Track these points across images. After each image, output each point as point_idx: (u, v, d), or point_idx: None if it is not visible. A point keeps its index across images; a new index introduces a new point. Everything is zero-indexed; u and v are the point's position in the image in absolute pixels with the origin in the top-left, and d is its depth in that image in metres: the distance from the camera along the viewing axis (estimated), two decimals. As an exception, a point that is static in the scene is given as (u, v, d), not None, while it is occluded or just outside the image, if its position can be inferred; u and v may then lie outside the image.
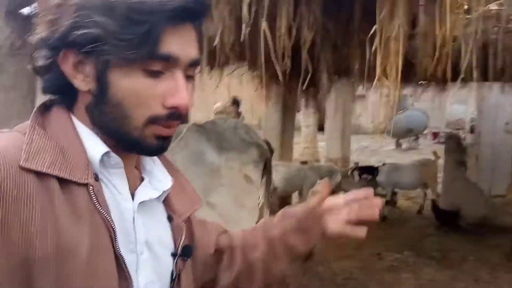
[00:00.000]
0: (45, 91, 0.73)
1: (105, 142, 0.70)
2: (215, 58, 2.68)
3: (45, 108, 0.72)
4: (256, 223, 2.75)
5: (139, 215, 0.72)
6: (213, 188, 2.87)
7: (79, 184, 0.65)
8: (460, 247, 5.06)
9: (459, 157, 5.72)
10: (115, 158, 0.71)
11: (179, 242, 0.78)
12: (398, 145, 15.79)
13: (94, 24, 0.63)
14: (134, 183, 0.75)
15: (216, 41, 2.31)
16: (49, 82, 0.72)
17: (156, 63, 0.66)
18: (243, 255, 0.93)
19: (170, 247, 0.78)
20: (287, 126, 6.59)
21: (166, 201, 0.79)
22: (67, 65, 0.68)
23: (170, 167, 0.83)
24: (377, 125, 20.78)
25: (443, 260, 4.69)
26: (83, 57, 0.66)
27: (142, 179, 0.77)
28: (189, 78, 0.71)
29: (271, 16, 2.26)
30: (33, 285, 0.59)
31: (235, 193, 2.89)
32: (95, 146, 0.69)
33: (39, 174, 0.62)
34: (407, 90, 7.09)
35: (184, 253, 0.78)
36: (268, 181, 3.10)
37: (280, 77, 2.62)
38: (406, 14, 1.48)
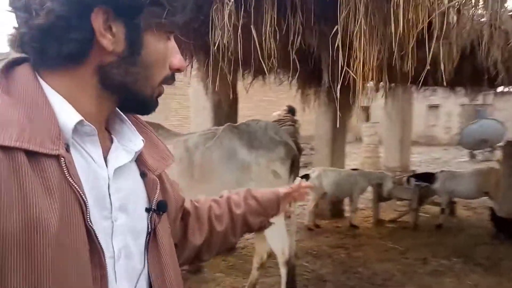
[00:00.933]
0: (52, 54, 0.68)
1: (81, 108, 0.70)
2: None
3: (8, 69, 0.69)
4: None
5: (113, 180, 0.72)
6: (244, 182, 3.18)
7: (49, 156, 0.63)
8: (512, 256, 4.86)
9: (517, 164, 5.49)
10: (88, 126, 0.70)
11: (154, 197, 0.79)
12: (472, 156, 14.99)
13: None
14: (105, 146, 0.75)
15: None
16: (60, 42, 0.67)
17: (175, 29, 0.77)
18: (210, 225, 1.05)
19: (145, 203, 0.79)
20: (338, 133, 6.73)
21: (139, 158, 0.80)
22: (99, 24, 0.67)
23: (140, 125, 0.85)
24: (452, 136, 19.86)
25: (491, 268, 4.55)
26: (115, 18, 0.68)
27: (112, 140, 0.78)
28: None
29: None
30: (4, 262, 0.58)
31: (263, 187, 3.16)
32: (68, 115, 0.68)
33: (4, 148, 0.59)
34: (484, 100, 6.90)
35: (159, 207, 0.79)
36: (295, 178, 3.34)
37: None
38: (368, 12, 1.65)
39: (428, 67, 1.61)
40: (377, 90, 7.11)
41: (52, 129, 0.65)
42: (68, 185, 0.64)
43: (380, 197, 6.33)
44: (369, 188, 6.43)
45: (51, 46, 0.67)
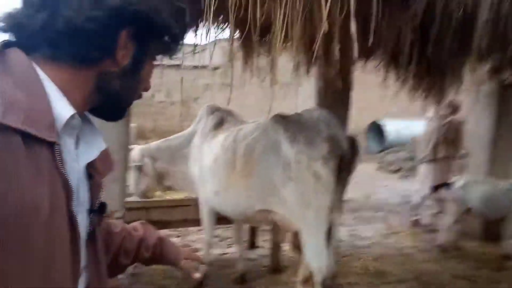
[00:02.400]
0: (83, 53, 0.75)
1: (71, 102, 0.73)
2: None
3: (2, 52, 0.71)
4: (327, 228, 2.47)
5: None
6: (285, 182, 2.73)
7: (43, 142, 0.65)
8: None
9: None
10: (78, 120, 0.75)
11: (97, 199, 0.83)
12: None
13: (160, 19, 0.79)
14: None
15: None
16: (89, 46, 0.74)
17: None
18: (115, 255, 1.07)
19: (87, 203, 0.81)
20: (505, 132, 5.26)
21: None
22: (123, 39, 0.76)
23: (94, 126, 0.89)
24: None
25: None
26: (133, 38, 0.78)
27: (76, 137, 0.80)
28: None
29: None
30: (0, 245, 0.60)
31: (302, 190, 2.66)
32: (63, 106, 0.71)
33: (5, 129, 0.61)
34: None
35: (101, 209, 0.84)
36: (343, 183, 2.68)
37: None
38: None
39: None
40: None
41: (48, 117, 0.67)
42: (57, 172, 0.67)
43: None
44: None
45: (78, 46, 0.72)
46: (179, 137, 4.01)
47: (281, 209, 2.81)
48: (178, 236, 4.80)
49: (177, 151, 3.90)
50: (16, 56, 0.70)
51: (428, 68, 3.63)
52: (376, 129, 12.48)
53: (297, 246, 4.35)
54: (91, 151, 0.80)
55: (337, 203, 2.68)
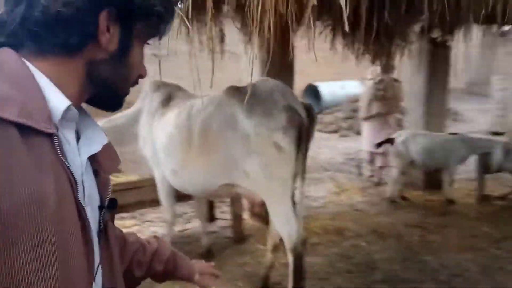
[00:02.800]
0: (60, 42, 0.72)
1: (68, 94, 0.73)
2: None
3: None
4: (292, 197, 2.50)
5: (84, 169, 0.76)
6: (246, 155, 2.71)
7: (42, 134, 0.65)
8: None
9: None
10: (74, 111, 0.74)
11: (107, 196, 0.82)
12: None
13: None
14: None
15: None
16: (69, 32, 0.72)
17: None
18: (128, 268, 1.06)
19: (97, 200, 0.81)
20: (437, 88, 5.57)
21: (92, 155, 0.81)
22: (103, 22, 0.73)
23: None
24: None
25: None
26: (115, 20, 0.75)
27: (76, 131, 0.79)
28: None
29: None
30: (7, 235, 0.59)
31: (264, 162, 2.66)
32: (57, 98, 0.71)
33: (1, 122, 0.61)
34: None
35: (110, 205, 0.82)
36: (304, 152, 2.72)
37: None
38: None
39: None
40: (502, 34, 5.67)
41: (44, 109, 0.67)
42: (59, 163, 0.66)
43: (486, 169, 5.10)
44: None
45: (58, 35, 0.71)
46: (124, 116, 3.81)
47: (244, 182, 2.81)
48: (134, 218, 4.70)
49: (125, 131, 3.72)
50: (6, 54, 0.69)
51: (377, 33, 3.71)
52: (312, 92, 12.72)
53: (255, 214, 4.44)
54: (92, 145, 0.79)
55: (301, 171, 2.72)
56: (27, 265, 0.60)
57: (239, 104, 2.73)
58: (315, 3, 2.10)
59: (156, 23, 0.81)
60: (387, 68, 5.54)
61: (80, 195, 0.71)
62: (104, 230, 0.81)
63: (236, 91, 2.84)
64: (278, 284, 3.26)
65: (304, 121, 2.66)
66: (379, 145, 5.35)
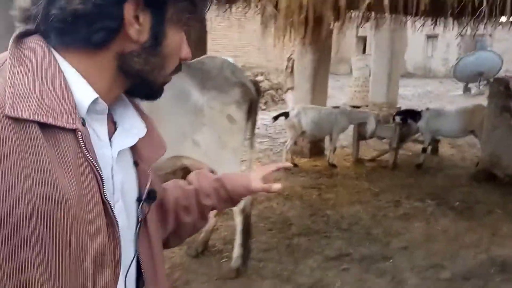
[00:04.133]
0: (86, 38, 0.68)
1: (95, 87, 0.69)
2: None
3: (20, 40, 0.67)
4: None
5: (116, 162, 0.73)
6: (197, 127, 2.92)
7: (65, 130, 0.63)
8: (489, 199, 4.75)
9: (504, 103, 5.20)
10: (102, 104, 0.70)
11: (145, 187, 0.79)
12: (467, 90, 14.66)
13: None
14: (110, 128, 0.75)
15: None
16: (91, 29, 0.68)
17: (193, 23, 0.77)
18: (175, 217, 1.01)
19: (135, 191, 0.79)
20: (321, 68, 6.36)
21: (133, 146, 0.79)
22: (129, 13, 0.68)
23: (140, 111, 0.83)
24: (449, 68, 19.32)
25: (465, 211, 4.45)
26: (144, 8, 0.69)
27: (114, 123, 0.77)
28: None
29: None
30: (21, 238, 0.57)
31: (218, 133, 2.92)
32: (84, 91, 0.68)
33: (21, 121, 0.59)
34: (485, 30, 6.44)
35: (149, 196, 0.80)
36: (253, 123, 3.08)
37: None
38: None
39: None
40: (367, 19, 6.66)
41: (68, 103, 0.64)
42: (84, 159, 0.64)
43: (361, 136, 6.12)
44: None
45: (80, 31, 0.67)
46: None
47: (193, 153, 3.02)
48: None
49: None
50: (34, 44, 0.67)
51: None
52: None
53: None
54: (127, 138, 0.77)
55: (251, 141, 3.06)
56: (42, 262, 0.59)
57: (190, 79, 2.91)
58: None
59: (191, 3, 0.74)
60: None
61: (108, 190, 0.69)
62: (144, 222, 0.79)
63: (187, 67, 3.00)
64: (213, 247, 3.59)
65: (254, 96, 2.99)
66: (275, 118, 5.93)
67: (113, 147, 0.73)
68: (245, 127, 2.98)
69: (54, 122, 0.61)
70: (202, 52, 4.66)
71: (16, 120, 0.58)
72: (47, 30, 0.68)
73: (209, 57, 3.12)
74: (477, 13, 3.83)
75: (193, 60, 3.12)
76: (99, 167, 0.66)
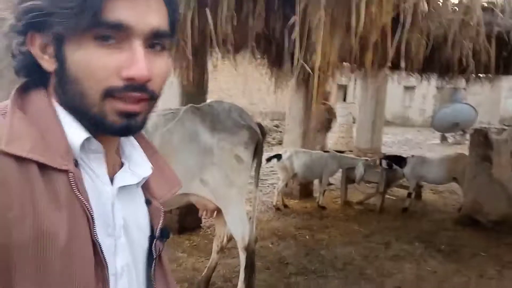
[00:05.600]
0: (18, 74, 0.73)
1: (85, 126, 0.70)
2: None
3: (24, 90, 0.71)
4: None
5: (118, 199, 0.73)
6: (206, 166, 3.08)
7: (59, 170, 0.65)
8: (473, 243, 4.96)
9: (484, 152, 5.54)
10: (95, 143, 0.71)
11: (158, 225, 0.79)
12: (444, 139, 15.28)
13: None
14: (113, 168, 0.76)
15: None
16: (21, 65, 0.71)
17: (104, 31, 0.64)
18: None
19: (146, 229, 0.79)
20: (311, 115, 6.66)
21: (145, 184, 0.80)
22: (34, 47, 0.68)
23: (149, 149, 0.84)
24: (426, 118, 20.13)
25: (452, 254, 4.64)
26: (46, 37, 0.66)
27: (122, 164, 0.78)
28: (158, 49, 0.70)
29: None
30: (12, 272, 0.59)
31: (225, 172, 3.09)
32: (75, 131, 0.69)
33: (19, 159, 0.61)
34: (459, 84, 6.89)
35: (162, 235, 0.80)
36: (259, 163, 3.26)
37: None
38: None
39: (389, 62, 1.52)
40: (352, 71, 7.05)
41: (61, 145, 0.66)
42: (76, 199, 0.65)
43: (349, 179, 6.35)
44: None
45: (22, 69, 0.71)
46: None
47: (201, 191, 3.16)
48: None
49: None
50: (36, 93, 0.71)
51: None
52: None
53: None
54: (132, 176, 0.77)
55: (256, 178, 3.23)
56: None
57: (200, 122, 3.11)
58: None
59: (65, 13, 0.63)
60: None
61: (108, 228, 0.71)
62: (159, 259, 0.80)
63: (197, 110, 3.20)
64: (213, 285, 3.65)
65: (260, 138, 3.20)
66: (268, 160, 6.13)
67: (114, 184, 0.74)
68: (250, 167, 3.16)
69: (47, 162, 0.63)
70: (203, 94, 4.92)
71: (16, 158, 0.61)
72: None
73: (217, 102, 3.34)
74: (460, 70, 4.18)
75: (202, 104, 3.33)
76: (90, 207, 0.66)
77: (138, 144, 0.81)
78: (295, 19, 1.57)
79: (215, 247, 3.54)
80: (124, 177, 0.76)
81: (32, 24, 0.66)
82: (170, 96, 4.85)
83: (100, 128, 0.69)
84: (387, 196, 6.65)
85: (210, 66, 4.95)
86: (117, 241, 0.72)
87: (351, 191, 6.70)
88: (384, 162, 6.38)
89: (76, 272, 0.64)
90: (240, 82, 13.27)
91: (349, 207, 6.34)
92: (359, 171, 6.05)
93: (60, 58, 0.66)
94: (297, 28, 1.58)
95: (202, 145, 3.08)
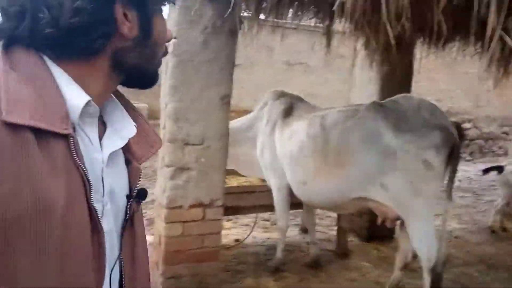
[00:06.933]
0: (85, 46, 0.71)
1: (87, 89, 0.71)
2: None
3: (8, 47, 0.68)
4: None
5: (106, 165, 0.74)
6: (387, 171, 2.72)
7: (57, 135, 0.64)
8: None
9: None
10: (94, 107, 0.72)
11: (135, 185, 0.80)
12: None
13: None
14: (100, 129, 0.77)
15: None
16: (89, 38, 0.71)
17: (167, 2, 0.82)
18: None
19: (126, 189, 0.80)
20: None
21: (125, 144, 0.80)
22: (120, 14, 0.72)
23: (130, 109, 0.84)
24: None
25: None
26: (130, 6, 0.73)
27: (104, 124, 0.79)
28: None
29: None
30: (9, 243, 0.59)
31: (410, 179, 2.65)
32: (77, 95, 0.69)
33: (15, 126, 0.59)
34: None
35: (139, 195, 0.80)
36: (453, 171, 2.68)
37: None
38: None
39: None
40: None
41: (60, 109, 0.65)
42: (73, 165, 0.65)
43: None
44: None
45: (76, 43, 0.69)
46: (240, 120, 3.95)
47: (380, 197, 2.80)
48: (229, 220, 4.81)
49: (239, 134, 3.82)
50: (22, 51, 0.67)
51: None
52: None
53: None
54: (117, 140, 0.77)
55: (449, 192, 2.68)
56: (25, 267, 0.59)
57: (383, 120, 2.74)
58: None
59: None
60: None
61: (97, 194, 0.70)
62: (131, 220, 0.79)
63: (379, 107, 2.85)
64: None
65: (456, 140, 2.63)
66: (485, 171, 5.16)
67: (104, 150, 0.74)
68: (443, 175, 2.62)
69: (48, 127, 0.62)
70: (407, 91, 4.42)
71: (11, 125, 0.59)
72: (35, 44, 0.68)
73: (405, 97, 2.91)
74: None
75: (386, 100, 2.95)
76: (88, 173, 0.66)
77: (119, 102, 0.82)
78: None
79: (397, 263, 3.11)
80: (112, 141, 0.76)
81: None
82: (369, 94, 4.48)
83: (148, 82, 0.82)
84: None
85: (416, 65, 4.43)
86: (104, 208, 0.72)
87: None
88: None
89: (74, 238, 0.64)
90: (462, 82, 11.80)
91: None
92: None
93: (148, 27, 0.76)
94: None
95: (384, 146, 2.72)
